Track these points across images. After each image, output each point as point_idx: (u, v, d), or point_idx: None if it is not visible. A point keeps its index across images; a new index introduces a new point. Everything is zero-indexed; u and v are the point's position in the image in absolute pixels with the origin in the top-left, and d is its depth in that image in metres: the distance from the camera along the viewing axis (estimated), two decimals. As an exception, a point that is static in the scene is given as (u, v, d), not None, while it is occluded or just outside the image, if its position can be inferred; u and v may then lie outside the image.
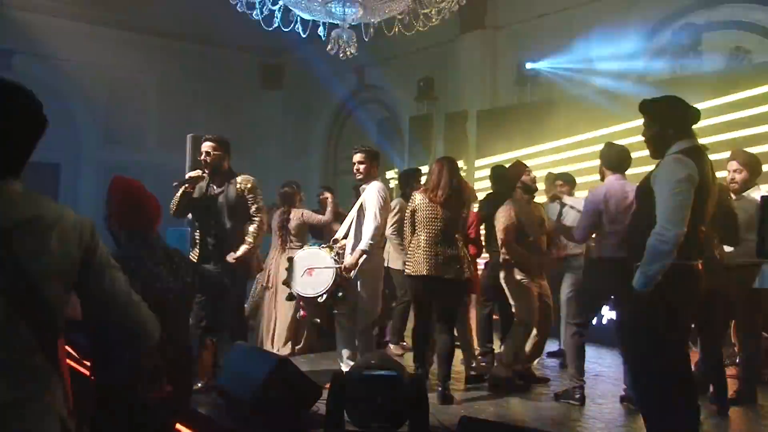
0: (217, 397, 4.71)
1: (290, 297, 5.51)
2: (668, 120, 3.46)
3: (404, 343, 6.85)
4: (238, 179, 5.20)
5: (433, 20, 6.61)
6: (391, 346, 6.83)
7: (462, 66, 11.00)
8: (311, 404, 4.38)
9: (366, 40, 6.81)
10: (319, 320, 5.76)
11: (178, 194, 5.13)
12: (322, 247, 5.44)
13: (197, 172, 5.21)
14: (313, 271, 5.20)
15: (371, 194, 5.26)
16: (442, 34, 9.03)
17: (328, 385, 4.00)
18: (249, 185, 5.20)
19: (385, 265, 6.94)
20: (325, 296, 5.13)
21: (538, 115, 9.27)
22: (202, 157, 5.19)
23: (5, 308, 1.56)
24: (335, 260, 5.23)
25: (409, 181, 6.98)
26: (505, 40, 10.68)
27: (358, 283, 5.25)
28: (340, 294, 5.16)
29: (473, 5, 9.11)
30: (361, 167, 5.36)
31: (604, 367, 6.25)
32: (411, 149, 11.77)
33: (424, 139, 11.51)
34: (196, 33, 13.58)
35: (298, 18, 6.70)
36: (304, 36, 6.79)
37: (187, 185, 5.13)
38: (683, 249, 3.25)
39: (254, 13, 6.51)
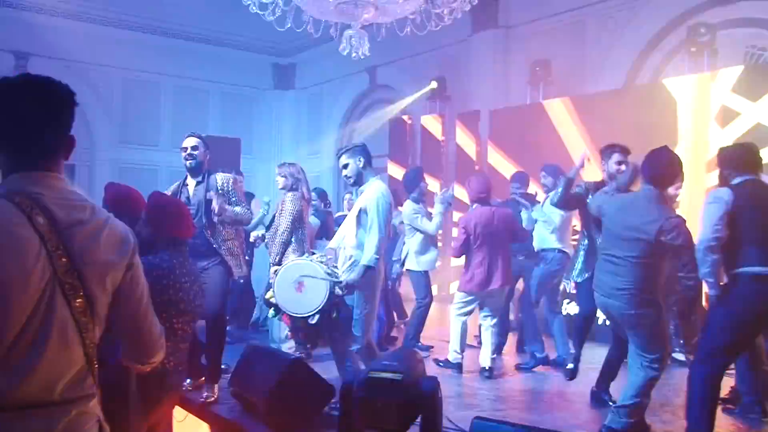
0: (231, 398, 4.74)
1: (275, 313, 4.81)
2: (726, 162, 4.18)
3: (420, 344, 6.84)
4: (218, 174, 5.05)
5: (445, 20, 6.61)
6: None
7: (474, 65, 10.98)
8: (325, 404, 4.39)
9: (378, 40, 6.82)
10: (305, 339, 4.94)
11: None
12: (314, 258, 4.76)
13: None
14: (304, 286, 4.49)
15: (373, 197, 4.49)
16: (454, 33, 9.03)
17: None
18: (229, 179, 5.04)
19: (406, 267, 6.96)
20: (317, 317, 4.43)
21: (550, 115, 9.24)
22: (187, 152, 5.02)
23: (64, 307, 1.60)
24: (329, 274, 4.49)
25: (415, 182, 6.97)
26: (518, 39, 10.65)
27: (354, 297, 4.49)
28: (335, 315, 4.47)
29: (485, 5, 9.12)
30: (348, 170, 4.62)
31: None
32: (423, 149, 11.77)
33: (436, 139, 11.51)
34: (209, 34, 13.65)
35: (311, 18, 6.72)
36: (316, 36, 6.80)
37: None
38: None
39: (267, 13, 6.53)
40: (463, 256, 6.06)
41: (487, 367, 5.86)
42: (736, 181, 4.04)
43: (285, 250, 5.95)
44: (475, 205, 6.16)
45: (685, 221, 4.15)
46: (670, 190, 5.88)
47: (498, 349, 6.52)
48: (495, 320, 6.01)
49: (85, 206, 1.70)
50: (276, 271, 4.82)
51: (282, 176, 6.25)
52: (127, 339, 1.86)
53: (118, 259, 1.72)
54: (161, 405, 2.76)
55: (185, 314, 2.79)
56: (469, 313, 6.08)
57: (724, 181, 4.18)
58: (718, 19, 8.27)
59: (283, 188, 6.22)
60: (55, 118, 1.71)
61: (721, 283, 3.96)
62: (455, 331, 6.05)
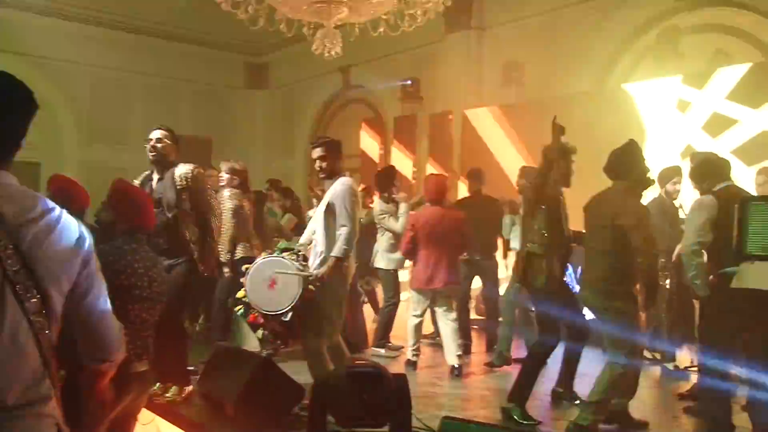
0: (199, 399, 4.69)
1: (245, 313, 4.74)
2: (705, 173, 4.50)
3: (390, 344, 6.85)
4: (178, 168, 4.81)
5: (419, 20, 6.62)
6: (375, 349, 6.81)
7: (447, 66, 11.02)
8: (294, 405, 4.38)
9: (351, 40, 6.81)
10: (275, 336, 4.82)
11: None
12: (285, 254, 4.66)
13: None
14: (276, 283, 4.44)
15: (341, 192, 4.56)
16: (428, 34, 9.05)
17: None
18: (189, 173, 4.77)
19: (375, 265, 6.96)
20: (290, 314, 4.38)
21: (523, 116, 9.32)
22: (151, 144, 4.84)
23: (16, 308, 1.55)
24: (300, 269, 4.45)
25: (389, 182, 6.96)
26: (491, 41, 10.71)
27: (322, 293, 4.49)
28: (307, 311, 4.42)
29: (459, 6, 9.14)
30: (324, 163, 4.65)
31: (586, 367, 6.25)
32: (396, 149, 11.79)
33: (409, 139, 11.53)
34: (180, 32, 13.52)
35: (284, 17, 6.69)
36: (289, 36, 6.77)
37: None
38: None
39: (239, 12, 6.49)
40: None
41: (456, 365, 5.89)
42: (718, 187, 4.30)
43: (234, 247, 5.96)
44: (426, 204, 6.22)
45: (643, 208, 4.25)
46: (668, 186, 5.97)
47: (465, 350, 6.59)
48: (452, 314, 6.07)
49: (37, 203, 1.65)
50: (247, 269, 4.75)
51: (227, 174, 6.24)
52: (85, 337, 1.81)
53: (72, 256, 1.68)
54: (125, 395, 2.73)
55: (141, 300, 2.77)
56: (422, 313, 6.16)
57: (703, 190, 4.43)
58: (685, 24, 8.41)
59: (224, 185, 6.20)
60: (12, 117, 1.67)
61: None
62: (408, 330, 6.21)
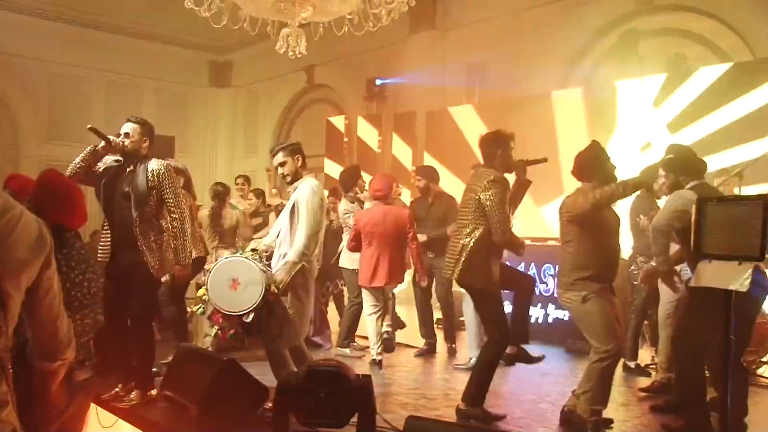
0: (163, 401, 4.64)
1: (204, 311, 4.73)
2: (680, 169, 4.47)
3: (355, 343, 6.86)
4: (150, 164, 4.66)
5: (383, 20, 6.62)
6: (340, 349, 6.81)
7: (411, 66, 11.06)
8: (258, 406, 4.36)
9: (315, 39, 6.79)
10: (233, 333, 4.85)
11: (88, 149, 4.59)
12: (248, 254, 4.58)
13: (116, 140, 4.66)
14: (238, 283, 4.34)
15: (304, 195, 4.48)
16: (392, 34, 9.07)
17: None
18: (162, 170, 4.65)
19: (340, 265, 6.95)
20: (252, 315, 4.30)
21: (486, 117, 9.39)
22: (120, 139, 4.66)
23: None
24: (264, 271, 4.36)
25: (353, 181, 6.96)
26: (455, 41, 10.78)
27: (287, 297, 4.44)
28: (270, 312, 4.35)
29: (423, 7, 9.19)
30: (285, 168, 4.60)
31: (549, 365, 6.33)
32: (360, 149, 11.79)
33: (373, 138, 11.55)
34: (143, 29, 13.33)
35: (248, 16, 6.64)
36: (253, 34, 6.73)
37: (104, 141, 4.56)
38: None
39: (202, 9, 6.42)
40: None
41: (376, 359, 6.10)
42: (691, 185, 4.35)
43: None
44: (373, 203, 6.27)
45: (579, 201, 4.26)
46: (654, 185, 5.91)
47: (430, 348, 6.64)
48: (380, 313, 6.22)
49: None
50: (209, 269, 4.68)
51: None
52: (40, 337, 1.79)
53: (32, 257, 1.63)
54: (70, 403, 2.66)
55: (82, 308, 2.68)
56: (377, 311, 6.22)
57: (674, 186, 4.45)
58: (644, 28, 8.57)
59: None
60: None
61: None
62: (368, 329, 6.28)
